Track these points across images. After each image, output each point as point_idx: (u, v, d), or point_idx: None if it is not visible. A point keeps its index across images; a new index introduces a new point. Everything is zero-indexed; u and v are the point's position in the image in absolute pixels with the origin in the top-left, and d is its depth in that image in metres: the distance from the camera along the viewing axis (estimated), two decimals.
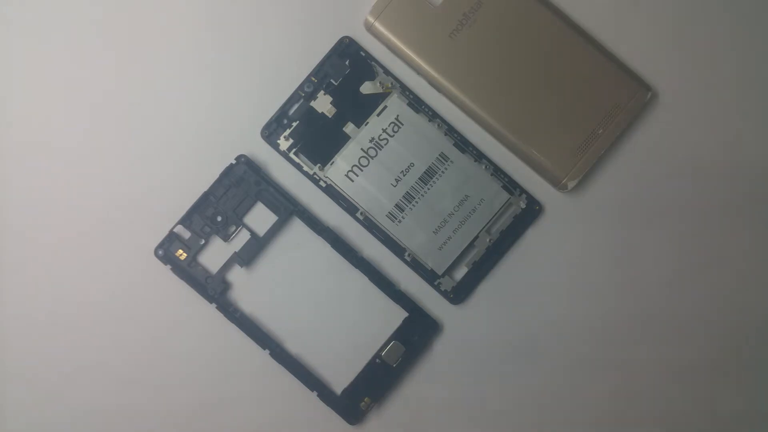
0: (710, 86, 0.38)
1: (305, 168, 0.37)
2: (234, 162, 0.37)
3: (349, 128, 0.37)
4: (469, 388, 0.38)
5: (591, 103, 0.36)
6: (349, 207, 0.37)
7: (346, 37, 0.37)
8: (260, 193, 0.37)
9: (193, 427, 0.38)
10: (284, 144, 0.37)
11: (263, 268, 0.38)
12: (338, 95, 0.37)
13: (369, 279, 0.37)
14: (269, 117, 0.37)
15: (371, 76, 0.37)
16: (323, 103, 0.37)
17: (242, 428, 0.38)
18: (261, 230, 0.37)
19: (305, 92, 0.37)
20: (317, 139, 0.37)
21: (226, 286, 0.37)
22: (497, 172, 0.37)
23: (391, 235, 0.37)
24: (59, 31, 0.38)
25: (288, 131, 0.37)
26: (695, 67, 0.38)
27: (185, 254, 0.37)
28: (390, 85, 0.37)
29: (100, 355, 0.38)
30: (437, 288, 0.37)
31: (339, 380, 0.37)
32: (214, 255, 0.38)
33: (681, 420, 0.38)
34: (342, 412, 0.37)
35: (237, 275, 0.38)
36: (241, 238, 0.37)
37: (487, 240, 0.37)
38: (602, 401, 0.38)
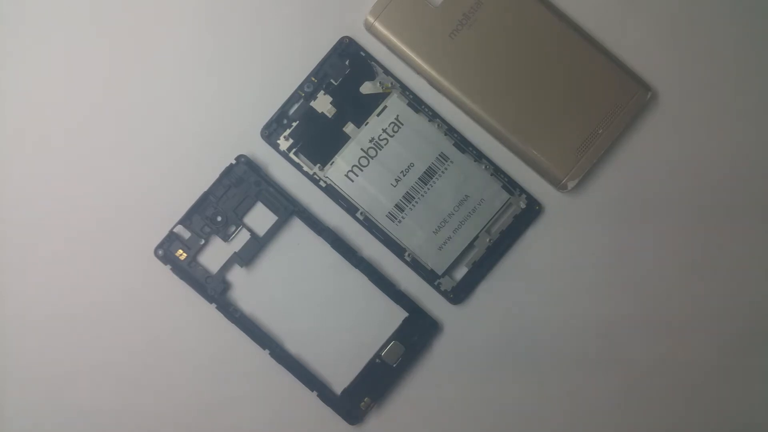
0: (710, 86, 0.38)
1: (305, 168, 0.37)
2: (234, 162, 0.37)
3: (349, 128, 0.37)
4: (469, 388, 0.38)
5: (591, 103, 0.36)
6: (349, 207, 0.37)
7: (346, 37, 0.37)
8: (260, 193, 0.37)
9: (193, 427, 0.38)
10: (284, 144, 0.37)
11: (263, 268, 0.38)
12: (338, 95, 0.37)
13: (369, 279, 0.37)
14: (269, 117, 0.37)
15: (371, 76, 0.37)
16: (323, 103, 0.37)
17: (242, 428, 0.38)
18: (261, 230, 0.37)
19: (305, 92, 0.37)
20: (317, 139, 0.37)
21: (226, 286, 0.37)
22: (497, 172, 0.37)
23: (391, 235, 0.37)
24: (59, 30, 0.38)
25: (288, 131, 0.37)
26: (695, 67, 0.38)
27: (185, 254, 0.37)
28: (390, 85, 0.37)
29: (101, 355, 0.38)
30: (437, 288, 0.37)
31: (339, 380, 0.37)
32: (214, 255, 0.38)
33: (681, 420, 0.38)
34: (342, 412, 0.37)
35: (237, 275, 0.38)
36: (241, 238, 0.37)
37: (487, 240, 0.37)
38: (602, 401, 0.38)
